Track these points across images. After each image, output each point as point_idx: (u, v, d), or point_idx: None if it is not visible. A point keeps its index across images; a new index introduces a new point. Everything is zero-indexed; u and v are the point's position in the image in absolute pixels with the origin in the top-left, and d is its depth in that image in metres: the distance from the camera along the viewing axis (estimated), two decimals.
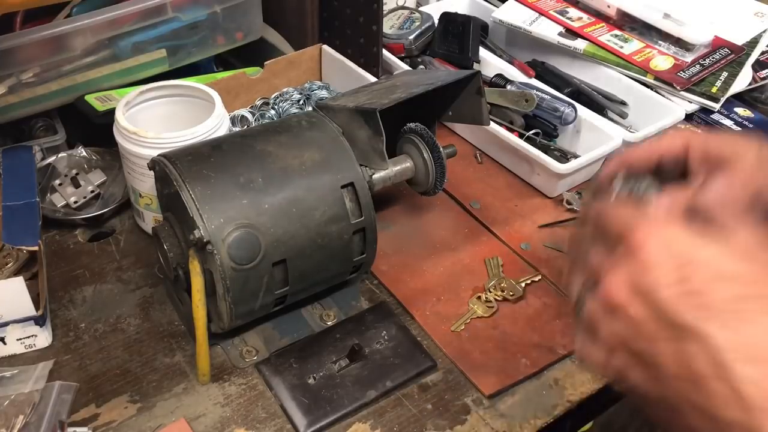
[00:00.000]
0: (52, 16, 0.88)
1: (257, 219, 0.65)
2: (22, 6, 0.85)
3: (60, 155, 0.91)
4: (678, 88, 1.02)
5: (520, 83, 1.03)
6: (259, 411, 0.67)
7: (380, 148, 0.72)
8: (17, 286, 0.67)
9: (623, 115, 1.04)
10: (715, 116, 1.03)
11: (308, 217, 0.68)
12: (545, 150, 0.95)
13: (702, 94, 1.03)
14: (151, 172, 0.71)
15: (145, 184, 0.79)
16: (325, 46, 1.05)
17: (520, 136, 0.96)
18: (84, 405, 0.67)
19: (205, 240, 0.63)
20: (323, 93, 1.02)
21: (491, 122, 0.90)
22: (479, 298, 0.79)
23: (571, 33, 1.11)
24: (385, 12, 1.10)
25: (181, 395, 0.68)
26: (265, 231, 0.65)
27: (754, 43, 1.13)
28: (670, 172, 0.59)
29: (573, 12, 1.15)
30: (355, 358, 0.71)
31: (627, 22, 1.12)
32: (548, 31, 1.12)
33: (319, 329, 0.75)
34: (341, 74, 1.03)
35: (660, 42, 1.09)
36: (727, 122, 1.02)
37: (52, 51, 0.85)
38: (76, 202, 0.86)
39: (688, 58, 1.06)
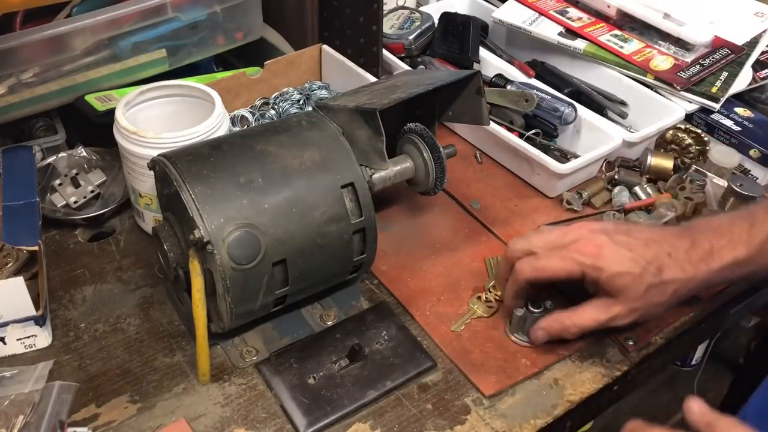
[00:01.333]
0: (52, 16, 0.88)
1: (257, 219, 0.65)
2: (22, 6, 0.85)
3: (60, 155, 0.91)
4: (678, 88, 1.02)
5: (520, 83, 1.03)
6: (259, 411, 0.67)
7: (380, 148, 0.72)
8: (17, 286, 0.67)
9: (623, 115, 1.04)
10: (715, 116, 1.03)
11: (308, 217, 0.68)
12: (545, 150, 0.95)
13: (702, 94, 1.03)
14: (151, 172, 0.71)
15: (145, 184, 0.79)
16: (325, 46, 1.05)
17: (520, 136, 0.96)
18: (84, 405, 0.67)
19: (205, 240, 0.63)
20: (323, 93, 1.02)
21: (491, 122, 0.90)
22: (479, 298, 0.79)
23: (571, 33, 1.11)
24: (385, 12, 1.10)
25: (181, 395, 0.69)
26: (265, 231, 0.65)
27: (754, 43, 1.13)
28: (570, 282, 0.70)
29: (573, 12, 1.15)
30: (355, 358, 0.71)
31: (627, 22, 1.12)
32: (548, 31, 1.12)
33: (319, 329, 0.75)
34: (341, 74, 1.03)
35: (660, 42, 1.09)
36: (727, 122, 1.02)
37: (52, 51, 0.85)
38: (76, 202, 0.86)
39: (688, 58, 1.06)
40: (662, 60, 1.06)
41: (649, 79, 1.04)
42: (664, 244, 0.69)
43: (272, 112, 0.99)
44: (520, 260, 0.71)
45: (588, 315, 0.69)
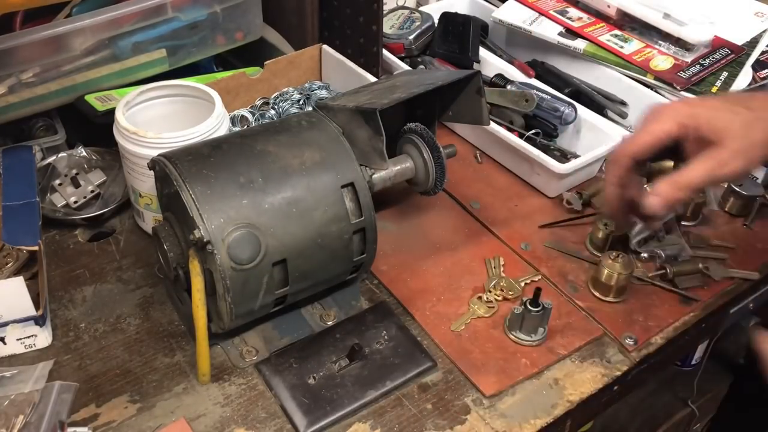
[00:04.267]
0: (52, 16, 0.88)
1: (257, 219, 0.65)
2: (22, 6, 0.85)
3: (60, 155, 0.91)
4: (678, 88, 1.02)
5: (520, 83, 1.03)
6: (259, 411, 0.67)
7: (380, 148, 0.72)
8: (17, 286, 0.67)
9: (623, 115, 1.04)
10: None
11: (308, 217, 0.68)
12: (545, 150, 0.95)
13: (702, 94, 1.03)
14: (151, 172, 0.71)
15: (145, 184, 0.79)
16: (325, 46, 1.05)
17: (520, 136, 0.96)
18: (84, 405, 0.67)
19: (205, 240, 0.63)
20: (323, 93, 1.02)
21: (491, 122, 0.90)
22: (480, 298, 0.79)
23: (571, 33, 1.11)
24: (385, 12, 1.10)
25: (181, 395, 0.69)
26: (265, 231, 0.65)
27: (754, 43, 1.13)
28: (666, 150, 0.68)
29: (573, 12, 1.15)
30: (355, 358, 0.71)
31: (627, 22, 1.12)
32: (548, 31, 1.12)
33: (319, 329, 0.75)
34: (341, 74, 1.03)
35: (660, 42, 1.09)
36: None
37: (52, 51, 0.85)
38: (76, 202, 0.86)
39: (688, 58, 1.06)
40: (662, 60, 1.06)
41: (649, 79, 1.04)
42: (738, 94, 0.69)
43: (272, 112, 0.99)
44: (616, 146, 0.69)
45: (698, 168, 0.66)
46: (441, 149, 0.77)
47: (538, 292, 0.73)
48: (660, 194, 0.67)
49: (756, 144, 0.66)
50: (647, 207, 0.68)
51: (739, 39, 1.12)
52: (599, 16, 1.14)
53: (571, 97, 1.01)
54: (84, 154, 0.92)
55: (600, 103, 1.03)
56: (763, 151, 0.67)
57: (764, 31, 1.15)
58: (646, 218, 0.71)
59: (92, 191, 0.87)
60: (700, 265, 0.83)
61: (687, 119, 0.66)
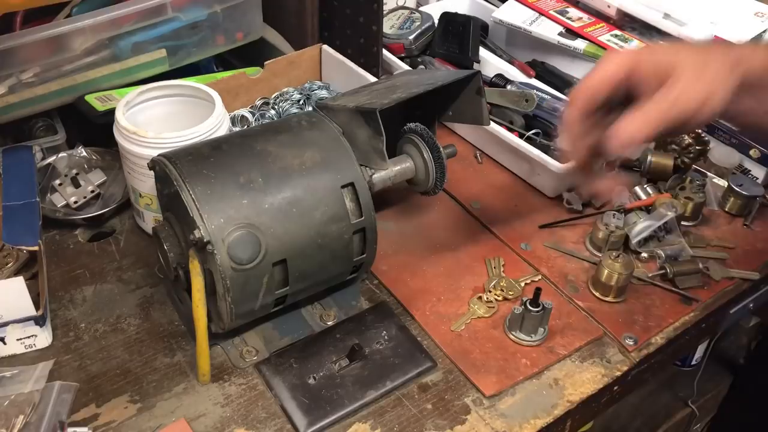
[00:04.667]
0: (52, 16, 0.88)
1: (257, 219, 0.65)
2: (22, 6, 0.85)
3: (60, 155, 0.91)
4: None
5: (520, 83, 1.03)
6: (259, 411, 0.67)
7: (380, 148, 0.72)
8: (17, 286, 0.67)
9: None
10: None
11: (308, 217, 0.68)
12: (545, 150, 0.95)
13: None
14: (151, 172, 0.71)
15: (145, 184, 0.79)
16: (325, 46, 1.05)
17: (520, 136, 0.96)
18: (84, 405, 0.67)
19: (205, 240, 0.63)
20: (323, 93, 1.02)
21: (491, 122, 0.90)
22: (480, 298, 0.79)
23: (571, 33, 1.11)
24: (385, 12, 1.10)
25: (181, 395, 0.69)
26: (265, 231, 0.65)
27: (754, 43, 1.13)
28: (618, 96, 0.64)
29: (573, 12, 1.15)
30: (355, 358, 0.71)
31: (627, 22, 1.12)
32: (548, 31, 1.12)
33: (319, 329, 0.75)
34: (341, 74, 1.03)
35: (660, 42, 1.09)
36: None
37: (52, 51, 0.85)
38: (76, 202, 0.86)
39: None
40: None
41: None
42: (692, 44, 0.67)
43: (272, 112, 0.99)
44: (572, 89, 0.65)
45: (658, 100, 0.61)
46: (441, 149, 0.77)
47: (538, 292, 0.73)
48: (623, 131, 0.61)
49: (712, 80, 0.62)
50: (610, 147, 0.62)
51: (739, 39, 1.12)
52: (599, 16, 1.14)
53: None
54: (84, 154, 0.92)
55: None
56: (723, 86, 0.62)
57: (764, 31, 1.15)
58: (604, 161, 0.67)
59: (92, 191, 0.87)
60: (700, 265, 0.83)
61: (642, 54, 0.63)
